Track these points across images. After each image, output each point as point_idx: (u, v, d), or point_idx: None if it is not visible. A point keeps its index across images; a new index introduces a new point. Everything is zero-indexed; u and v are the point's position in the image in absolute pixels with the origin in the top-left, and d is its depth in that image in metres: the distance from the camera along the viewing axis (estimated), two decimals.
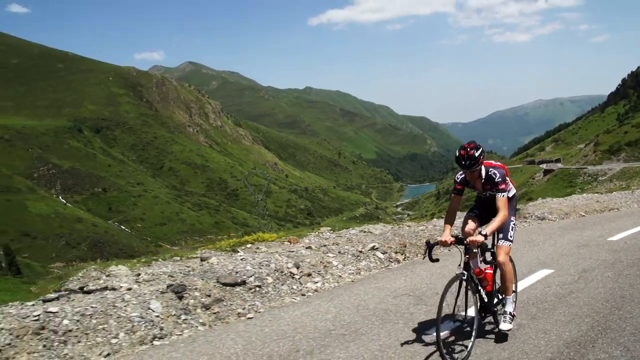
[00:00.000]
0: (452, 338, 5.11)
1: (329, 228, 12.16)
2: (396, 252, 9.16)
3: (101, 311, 5.45)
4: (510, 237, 5.34)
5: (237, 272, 7.13)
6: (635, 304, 6.04)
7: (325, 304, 6.58)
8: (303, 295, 7.14)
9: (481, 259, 5.27)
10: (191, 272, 7.09)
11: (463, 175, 5.30)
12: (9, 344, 4.44)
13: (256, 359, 4.90)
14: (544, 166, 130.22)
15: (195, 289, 6.33)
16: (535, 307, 6.15)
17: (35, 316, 5.02)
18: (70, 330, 5.02)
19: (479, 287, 5.03)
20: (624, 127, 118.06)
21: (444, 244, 4.86)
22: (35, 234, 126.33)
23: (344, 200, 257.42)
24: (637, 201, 18.94)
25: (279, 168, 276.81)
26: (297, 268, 7.73)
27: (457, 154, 5.02)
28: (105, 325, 5.29)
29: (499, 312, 5.32)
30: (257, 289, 6.90)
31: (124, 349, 5.09)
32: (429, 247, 4.83)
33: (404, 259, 9.16)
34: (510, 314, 5.26)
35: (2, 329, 4.66)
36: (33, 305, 5.56)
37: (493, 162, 5.39)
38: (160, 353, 5.01)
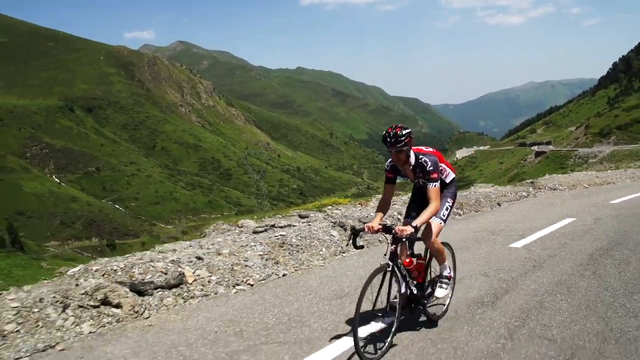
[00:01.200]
0: (372, 333, 4.67)
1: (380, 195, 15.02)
2: (457, 208, 12.69)
3: (308, 235, 8.57)
4: (443, 216, 5.09)
5: (360, 217, 10.21)
6: (634, 232, 9.44)
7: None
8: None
9: (409, 252, 5.06)
10: (327, 217, 10.39)
11: (392, 162, 4.98)
12: (270, 251, 7.57)
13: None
14: (535, 148, 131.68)
15: (348, 224, 9.56)
16: (569, 237, 9.25)
17: (276, 236, 8.35)
18: (298, 245, 8.10)
19: (407, 279, 4.77)
20: (615, 110, 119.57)
21: (371, 229, 4.58)
22: (30, 213, 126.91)
23: (335, 180, 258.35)
24: (630, 177, 22.87)
25: (271, 148, 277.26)
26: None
27: (384, 132, 4.78)
28: (313, 243, 8.34)
29: (436, 282, 5.23)
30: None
31: (327, 258, 8.05)
32: (354, 233, 4.62)
33: (462, 214, 12.71)
34: (446, 277, 5.19)
35: (265, 243, 7.85)
36: (270, 229, 9.43)
37: (424, 148, 5.07)
38: (349, 262, 7.80)
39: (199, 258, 6.75)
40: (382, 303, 4.42)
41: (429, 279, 5.24)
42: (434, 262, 5.27)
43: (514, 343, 4.48)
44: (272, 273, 7.02)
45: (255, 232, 9.19)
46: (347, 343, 4.55)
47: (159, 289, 5.80)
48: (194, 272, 6.33)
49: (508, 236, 9.43)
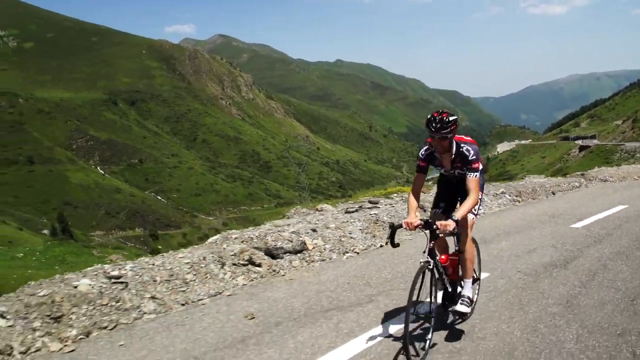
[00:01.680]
0: (416, 330, 4.72)
1: None
2: (516, 196, 13.55)
3: (395, 214, 9.60)
4: (475, 210, 4.87)
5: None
6: None
7: (499, 219, 10.66)
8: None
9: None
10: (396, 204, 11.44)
11: (428, 150, 4.73)
12: (367, 226, 8.64)
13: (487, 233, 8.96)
14: (579, 142, 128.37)
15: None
16: (624, 220, 9.96)
17: (370, 215, 9.34)
18: (384, 221, 9.08)
19: (444, 277, 4.67)
20: None
21: (410, 226, 4.36)
22: (77, 203, 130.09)
23: (375, 173, 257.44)
24: None
25: (310, 141, 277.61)
26: None
27: (428, 117, 4.53)
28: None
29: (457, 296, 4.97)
30: None
31: (414, 233, 7.95)
32: (393, 230, 4.41)
33: (521, 201, 13.41)
34: (468, 298, 4.86)
35: (362, 220, 8.84)
36: (360, 209, 10.58)
37: (465, 137, 4.83)
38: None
39: (313, 230, 7.95)
40: (424, 302, 4.36)
41: (459, 274, 5.04)
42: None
43: (587, 290, 5.73)
44: (372, 244, 8.17)
45: (347, 212, 10.33)
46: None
47: (287, 254, 7.09)
48: (312, 241, 7.62)
49: (567, 219, 10.34)
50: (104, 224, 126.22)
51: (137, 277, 5.59)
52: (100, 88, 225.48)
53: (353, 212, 10.22)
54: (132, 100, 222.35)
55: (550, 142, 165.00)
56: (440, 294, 4.71)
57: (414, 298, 4.12)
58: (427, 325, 4.51)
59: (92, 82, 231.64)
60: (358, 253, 7.70)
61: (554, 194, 14.74)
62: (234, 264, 6.39)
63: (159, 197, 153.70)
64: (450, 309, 4.88)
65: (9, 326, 4.42)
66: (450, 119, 4.44)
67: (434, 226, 4.26)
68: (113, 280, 5.35)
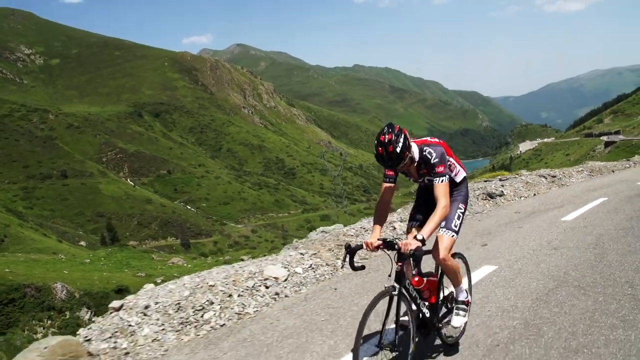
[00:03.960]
0: None
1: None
2: (590, 172, 19.33)
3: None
4: (455, 226, 4.28)
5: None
6: None
7: (590, 182, 16.96)
8: (557, 186, 16.24)
9: (414, 270, 4.19)
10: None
11: None
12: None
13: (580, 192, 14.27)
14: (604, 138, 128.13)
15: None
16: None
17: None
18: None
19: (418, 302, 4.02)
20: None
21: (369, 247, 3.81)
22: (110, 214, 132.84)
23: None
24: None
25: (332, 146, 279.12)
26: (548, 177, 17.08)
27: (375, 153, 3.93)
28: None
29: (452, 307, 4.52)
30: (554, 179, 16.86)
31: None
32: (350, 252, 3.76)
33: (594, 175, 19.08)
34: (463, 302, 4.43)
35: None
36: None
37: (429, 138, 4.31)
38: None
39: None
40: (389, 332, 3.75)
41: (442, 297, 4.51)
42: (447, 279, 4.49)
43: None
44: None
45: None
46: None
47: None
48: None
49: (631, 181, 15.89)
50: (138, 234, 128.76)
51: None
52: (124, 101, 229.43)
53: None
54: (156, 112, 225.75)
55: (574, 139, 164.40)
56: (413, 322, 3.92)
57: (367, 329, 3.63)
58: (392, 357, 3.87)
59: (117, 95, 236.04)
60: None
61: (613, 171, 20.39)
62: None
63: (188, 207, 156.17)
64: (438, 331, 4.33)
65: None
66: (398, 149, 3.81)
67: (396, 246, 3.71)
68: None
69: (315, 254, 7.53)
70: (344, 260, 3.79)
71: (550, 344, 4.33)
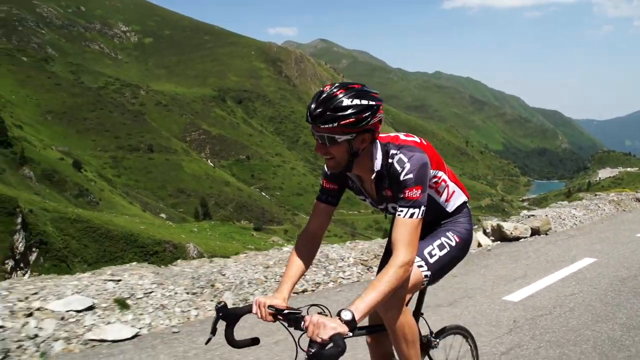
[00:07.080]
0: None
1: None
2: None
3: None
4: (432, 256, 2.41)
5: None
6: None
7: None
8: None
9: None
10: None
11: None
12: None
13: None
14: None
15: None
16: None
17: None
18: None
19: None
20: None
21: (261, 313, 2.08)
22: (189, 191, 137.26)
23: (469, 189, 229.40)
24: None
25: None
26: None
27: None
28: None
29: None
30: None
31: None
32: (226, 317, 2.03)
33: None
34: None
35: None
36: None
37: (402, 135, 2.38)
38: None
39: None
40: None
41: None
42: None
43: None
44: None
45: None
46: None
47: None
48: None
49: None
50: (214, 214, 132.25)
51: None
52: (210, 85, 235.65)
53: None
54: (239, 99, 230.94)
55: None
56: None
57: None
58: None
59: (204, 78, 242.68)
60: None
61: None
62: None
63: (263, 193, 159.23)
64: None
65: None
66: (345, 100, 2.06)
67: (302, 323, 1.89)
68: None
69: None
70: (213, 330, 1.98)
71: None
